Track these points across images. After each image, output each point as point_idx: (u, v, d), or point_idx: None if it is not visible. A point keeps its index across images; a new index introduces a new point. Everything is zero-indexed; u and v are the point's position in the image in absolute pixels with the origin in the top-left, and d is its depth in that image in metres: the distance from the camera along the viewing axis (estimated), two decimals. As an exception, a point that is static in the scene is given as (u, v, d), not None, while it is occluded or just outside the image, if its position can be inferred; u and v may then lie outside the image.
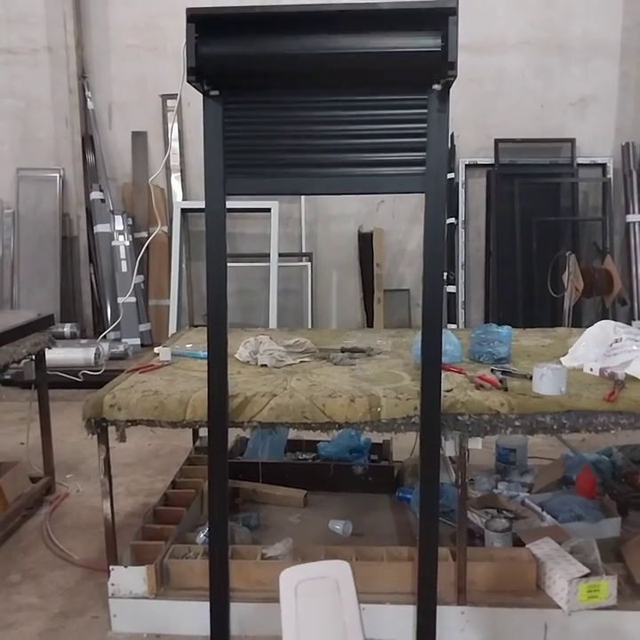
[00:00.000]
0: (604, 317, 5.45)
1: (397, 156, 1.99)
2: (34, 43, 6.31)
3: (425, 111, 1.94)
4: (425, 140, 1.93)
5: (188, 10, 1.82)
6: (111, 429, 2.29)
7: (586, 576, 2.21)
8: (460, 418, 2.13)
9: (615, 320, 4.93)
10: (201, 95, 1.96)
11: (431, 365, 2.00)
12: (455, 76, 1.88)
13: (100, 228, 6.35)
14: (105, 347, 5.58)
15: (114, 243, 6.31)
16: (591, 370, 2.47)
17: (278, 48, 1.84)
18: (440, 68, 1.85)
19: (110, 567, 2.36)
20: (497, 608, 2.27)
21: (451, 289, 6.27)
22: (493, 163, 6.20)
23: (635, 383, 2.31)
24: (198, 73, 1.86)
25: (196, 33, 1.82)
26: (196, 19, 1.81)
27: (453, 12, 1.81)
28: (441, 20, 1.81)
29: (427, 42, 1.84)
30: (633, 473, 3.16)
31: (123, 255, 6.30)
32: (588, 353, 2.59)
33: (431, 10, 1.83)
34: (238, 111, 1.99)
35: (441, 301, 2.05)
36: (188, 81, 1.87)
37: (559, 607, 2.23)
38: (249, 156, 2.00)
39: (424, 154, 1.93)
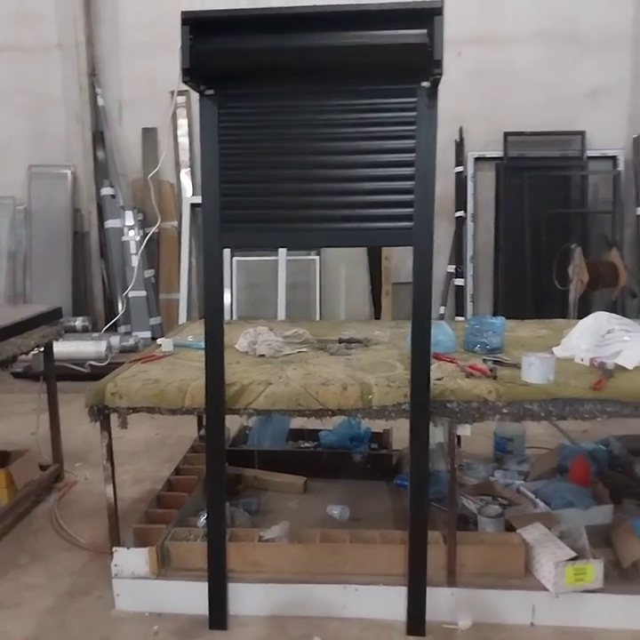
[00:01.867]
0: (614, 310, 5.46)
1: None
2: (45, 40, 6.40)
3: (414, 105, 2.01)
4: (414, 131, 2.02)
5: (183, 13, 1.90)
6: (115, 418, 2.37)
7: (573, 559, 2.27)
8: (448, 405, 2.20)
9: (624, 313, 4.95)
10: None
11: (420, 353, 2.08)
12: (441, 74, 1.95)
13: (110, 223, 6.44)
14: (115, 340, 5.69)
15: (124, 238, 6.41)
16: (582, 360, 2.51)
17: (268, 46, 1.92)
18: (427, 66, 1.92)
19: (113, 548, 2.45)
20: (486, 590, 2.34)
21: (459, 282, 6.28)
22: (502, 156, 6.21)
23: (623, 373, 2.36)
24: (193, 73, 1.95)
25: (190, 35, 1.90)
26: (190, 21, 1.90)
27: (439, 11, 1.87)
28: (428, 20, 1.88)
29: (414, 40, 1.91)
30: (629, 463, 3.20)
31: (133, 250, 6.39)
32: (580, 343, 2.63)
33: (418, 10, 1.90)
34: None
35: (430, 292, 2.12)
36: (183, 82, 1.96)
37: (547, 589, 2.29)
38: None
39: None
